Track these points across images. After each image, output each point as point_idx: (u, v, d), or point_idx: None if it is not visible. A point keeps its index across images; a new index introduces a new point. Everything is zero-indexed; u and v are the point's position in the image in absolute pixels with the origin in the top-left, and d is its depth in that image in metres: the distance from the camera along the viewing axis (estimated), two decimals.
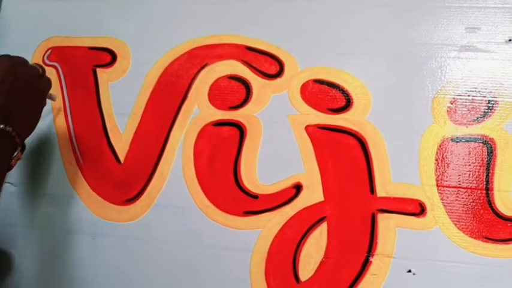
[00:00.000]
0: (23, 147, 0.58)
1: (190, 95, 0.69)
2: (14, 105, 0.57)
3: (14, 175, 0.72)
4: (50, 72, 0.75)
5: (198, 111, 0.69)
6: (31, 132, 0.61)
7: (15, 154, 0.57)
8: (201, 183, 0.67)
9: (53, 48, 0.77)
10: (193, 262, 0.65)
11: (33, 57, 0.76)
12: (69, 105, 0.73)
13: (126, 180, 0.69)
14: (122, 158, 0.70)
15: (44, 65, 0.64)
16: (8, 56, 0.60)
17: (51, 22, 0.78)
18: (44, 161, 0.72)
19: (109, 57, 0.74)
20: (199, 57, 0.70)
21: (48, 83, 0.64)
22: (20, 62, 0.61)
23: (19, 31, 0.79)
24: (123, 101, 0.71)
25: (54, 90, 0.74)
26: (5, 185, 0.72)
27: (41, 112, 0.63)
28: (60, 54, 0.76)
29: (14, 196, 0.71)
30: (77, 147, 0.72)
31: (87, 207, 0.69)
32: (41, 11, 0.78)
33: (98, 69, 0.74)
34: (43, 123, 0.72)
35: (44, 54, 0.76)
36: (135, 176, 0.69)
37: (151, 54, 0.72)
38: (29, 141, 0.72)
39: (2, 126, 0.55)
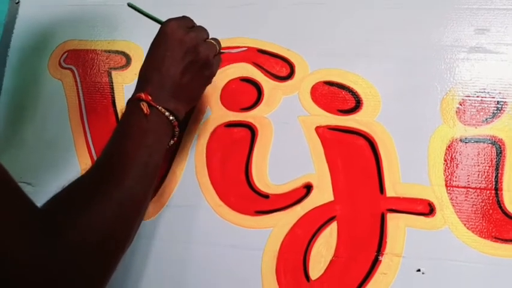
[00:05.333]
0: (180, 129, 0.58)
1: (202, 96, 0.70)
2: (185, 84, 0.57)
3: (31, 175, 0.73)
4: (66, 75, 0.77)
5: (210, 112, 0.70)
6: (188, 109, 0.61)
7: (171, 142, 0.58)
8: (213, 183, 0.68)
9: (69, 51, 0.78)
10: (205, 261, 0.65)
11: (50, 59, 0.78)
12: (85, 107, 0.75)
13: None
14: None
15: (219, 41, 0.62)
16: (196, 28, 0.60)
17: (68, 25, 0.79)
18: (61, 162, 0.73)
19: (124, 60, 0.75)
20: None
21: (219, 62, 0.63)
22: (204, 38, 0.60)
23: (36, 34, 0.80)
24: None
25: (70, 92, 0.76)
26: (22, 185, 0.73)
27: (203, 91, 0.63)
28: (76, 57, 0.78)
29: (31, 196, 0.73)
30: (93, 149, 0.73)
31: None
32: (57, 15, 0.80)
33: (113, 72, 0.75)
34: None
35: (61, 57, 0.78)
36: None
37: None
38: (46, 140, 0.74)
39: (167, 113, 0.55)
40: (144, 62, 0.59)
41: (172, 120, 0.56)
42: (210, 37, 0.61)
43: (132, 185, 0.51)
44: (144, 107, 0.54)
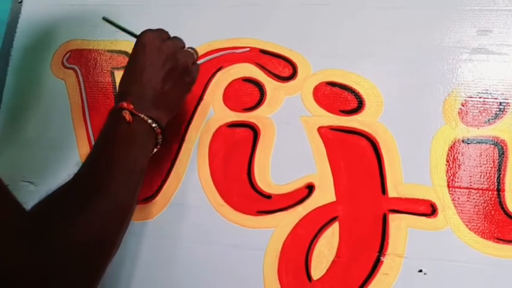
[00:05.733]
0: (163, 136, 0.58)
1: (205, 96, 0.71)
2: (166, 92, 0.58)
3: (33, 174, 0.74)
4: (69, 75, 0.77)
5: (213, 112, 0.70)
6: (170, 117, 0.61)
7: (154, 150, 0.58)
8: (215, 183, 0.68)
9: (72, 50, 0.79)
10: (207, 260, 0.66)
11: (52, 59, 0.79)
12: (88, 106, 0.75)
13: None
14: None
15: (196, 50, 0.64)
16: (172, 38, 0.60)
17: (70, 25, 0.80)
18: (63, 161, 0.74)
19: (126, 59, 0.75)
20: (214, 60, 0.71)
21: (198, 69, 0.64)
22: (181, 47, 0.61)
23: (39, 34, 0.81)
24: None
25: (73, 91, 0.76)
26: (24, 184, 0.74)
27: (185, 98, 0.63)
28: (79, 56, 0.78)
29: (34, 195, 0.72)
30: None
31: None
32: (60, 14, 0.80)
33: (115, 72, 0.75)
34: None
35: (63, 56, 0.78)
36: (151, 175, 0.70)
37: None
38: (49, 140, 0.75)
39: (150, 121, 0.55)
40: (124, 73, 0.59)
41: (155, 127, 0.56)
42: (187, 46, 0.62)
43: (117, 192, 0.51)
44: (127, 115, 0.54)
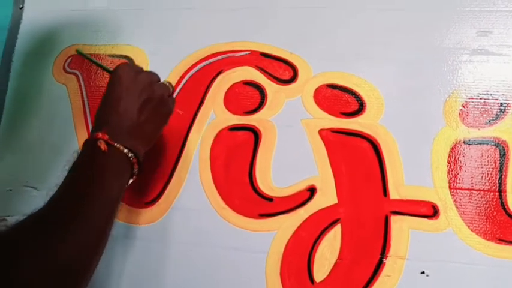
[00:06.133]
0: (139, 167, 0.57)
1: (206, 100, 0.71)
2: (142, 122, 0.57)
3: (36, 179, 0.74)
4: (71, 80, 0.77)
5: (214, 116, 0.70)
6: (147, 149, 0.60)
7: (130, 181, 0.58)
8: (217, 186, 0.68)
9: (73, 55, 0.79)
10: (209, 263, 0.66)
11: (54, 64, 0.79)
12: (89, 111, 0.75)
13: (144, 184, 0.71)
14: None
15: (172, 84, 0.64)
16: (146, 71, 0.61)
17: (71, 30, 0.80)
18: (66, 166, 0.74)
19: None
20: (215, 64, 0.72)
21: (174, 102, 0.64)
22: (157, 80, 0.61)
23: (40, 39, 0.81)
24: None
25: (75, 96, 0.76)
26: (27, 189, 0.75)
27: (162, 130, 0.63)
28: (80, 61, 0.78)
29: (37, 200, 0.73)
30: None
31: None
32: (61, 20, 0.80)
33: None
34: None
35: (65, 61, 0.79)
36: (153, 179, 0.70)
37: (168, 61, 0.73)
38: (51, 145, 0.75)
39: (125, 151, 0.55)
40: (100, 104, 0.58)
41: (131, 157, 0.55)
42: (162, 80, 0.63)
43: (91, 220, 0.50)
44: (102, 144, 0.53)
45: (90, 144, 0.54)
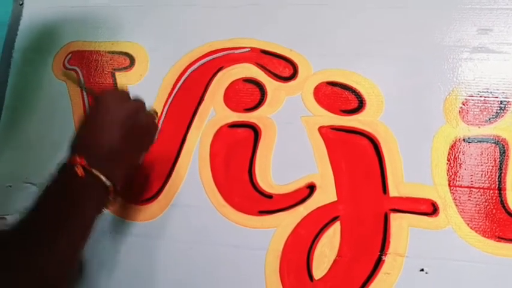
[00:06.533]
0: (115, 194, 0.56)
1: (206, 97, 0.71)
2: (123, 150, 0.55)
3: (36, 176, 0.74)
4: (71, 76, 0.77)
5: (214, 113, 0.70)
6: (125, 177, 0.58)
7: (104, 210, 0.56)
8: (216, 184, 0.68)
9: (73, 52, 0.79)
10: (209, 260, 0.66)
11: (54, 61, 0.79)
12: (89, 108, 0.75)
13: (144, 181, 0.71)
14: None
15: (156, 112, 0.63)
16: (133, 99, 0.59)
17: (71, 27, 0.80)
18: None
19: (127, 61, 0.75)
20: (215, 61, 0.72)
21: (157, 130, 0.62)
22: (143, 107, 0.59)
23: (40, 35, 0.81)
24: None
25: (74, 92, 0.76)
26: (27, 185, 0.75)
27: (142, 158, 0.62)
28: (80, 58, 0.78)
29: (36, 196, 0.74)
30: None
31: None
32: (61, 16, 0.80)
33: (116, 73, 0.76)
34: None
35: (65, 58, 0.79)
36: (152, 176, 0.70)
37: (168, 58, 0.73)
38: (51, 141, 0.75)
39: (102, 178, 0.53)
40: (80, 127, 0.57)
41: (108, 185, 0.53)
42: (148, 108, 0.61)
43: (60, 247, 0.49)
44: (79, 170, 0.52)
45: (67, 168, 0.53)
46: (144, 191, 0.70)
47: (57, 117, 0.76)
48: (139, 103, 0.59)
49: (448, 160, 0.62)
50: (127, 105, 0.57)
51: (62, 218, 0.50)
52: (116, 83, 0.75)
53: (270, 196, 0.66)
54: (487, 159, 0.61)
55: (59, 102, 0.77)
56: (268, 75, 0.70)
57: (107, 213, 0.70)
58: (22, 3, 0.82)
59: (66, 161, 0.54)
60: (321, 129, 0.66)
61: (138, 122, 0.57)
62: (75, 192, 0.52)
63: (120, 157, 0.56)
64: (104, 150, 0.54)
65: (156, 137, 0.61)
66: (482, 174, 0.61)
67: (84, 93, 0.76)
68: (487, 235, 0.59)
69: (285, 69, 0.70)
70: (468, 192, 0.61)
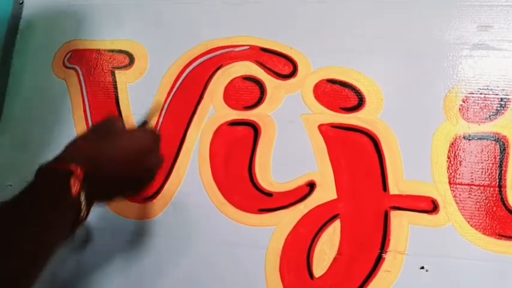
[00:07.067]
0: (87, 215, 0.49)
1: (206, 95, 0.71)
2: (121, 183, 0.52)
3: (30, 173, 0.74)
4: (71, 75, 0.77)
5: (213, 111, 0.70)
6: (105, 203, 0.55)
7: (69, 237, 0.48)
8: (216, 182, 0.68)
9: (73, 50, 0.79)
10: (209, 258, 0.66)
11: (53, 59, 0.79)
12: (89, 106, 0.75)
13: None
14: None
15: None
16: (149, 131, 0.57)
17: (71, 25, 0.80)
18: None
19: (127, 59, 0.75)
20: (214, 59, 0.72)
21: (155, 178, 0.57)
22: (156, 148, 0.56)
23: (40, 34, 0.81)
24: (140, 102, 0.73)
25: (74, 92, 0.76)
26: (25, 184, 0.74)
27: (133, 195, 0.62)
28: (80, 56, 0.78)
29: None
30: None
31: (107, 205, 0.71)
32: (61, 15, 0.80)
33: (116, 71, 0.76)
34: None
35: (65, 56, 0.79)
36: None
37: (168, 56, 0.73)
38: (51, 140, 0.75)
39: (84, 206, 0.47)
40: (91, 133, 0.54)
41: (82, 214, 0.47)
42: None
43: (25, 259, 0.43)
44: (75, 187, 0.45)
45: (61, 175, 0.46)
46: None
47: (57, 116, 0.76)
48: (154, 145, 0.56)
49: (448, 157, 0.62)
50: (146, 140, 0.54)
51: (33, 227, 0.43)
52: (116, 82, 0.75)
53: (270, 194, 0.66)
54: (487, 157, 0.61)
55: (59, 101, 0.77)
56: (268, 73, 0.70)
57: (107, 211, 0.70)
58: (22, 2, 0.82)
59: (59, 163, 0.48)
60: (321, 127, 0.66)
61: (149, 161, 0.54)
62: (61, 210, 0.46)
63: (114, 188, 0.52)
64: (105, 173, 0.49)
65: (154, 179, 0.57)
66: (482, 172, 0.61)
67: (84, 92, 0.76)
68: (487, 232, 0.59)
69: (285, 67, 0.70)
70: (468, 190, 0.61)
